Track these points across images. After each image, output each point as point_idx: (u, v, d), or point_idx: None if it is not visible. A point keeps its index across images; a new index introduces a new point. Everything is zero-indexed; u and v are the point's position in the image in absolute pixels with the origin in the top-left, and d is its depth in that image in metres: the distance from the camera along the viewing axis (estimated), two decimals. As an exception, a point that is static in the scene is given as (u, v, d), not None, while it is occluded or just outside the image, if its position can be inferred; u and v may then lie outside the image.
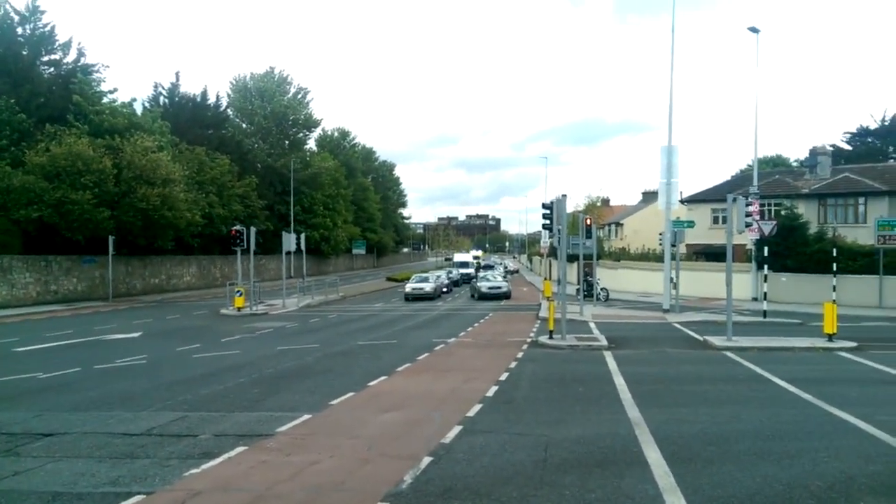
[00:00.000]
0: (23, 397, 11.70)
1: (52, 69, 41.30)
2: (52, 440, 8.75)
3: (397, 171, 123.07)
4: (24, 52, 39.24)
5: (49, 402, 11.20)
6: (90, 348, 18.34)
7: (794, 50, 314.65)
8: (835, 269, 25.62)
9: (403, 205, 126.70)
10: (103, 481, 7.07)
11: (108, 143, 36.85)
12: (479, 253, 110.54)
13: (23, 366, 15.03)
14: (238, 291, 29.28)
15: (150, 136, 40.05)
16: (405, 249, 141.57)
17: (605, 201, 73.45)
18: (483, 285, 39.35)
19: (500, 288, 38.89)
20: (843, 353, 16.23)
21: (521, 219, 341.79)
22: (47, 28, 40.31)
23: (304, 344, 18.86)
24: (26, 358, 16.57)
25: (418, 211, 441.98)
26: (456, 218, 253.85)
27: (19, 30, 39.43)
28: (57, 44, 41.00)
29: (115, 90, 44.33)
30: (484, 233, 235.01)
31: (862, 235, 33.24)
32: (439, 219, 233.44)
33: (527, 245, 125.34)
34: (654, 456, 7.69)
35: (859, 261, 29.78)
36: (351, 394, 11.60)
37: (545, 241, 53.29)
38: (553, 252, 46.03)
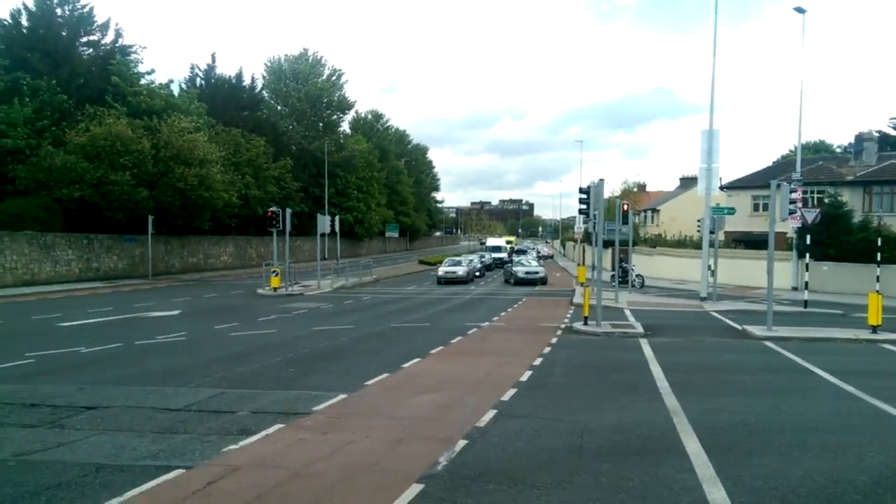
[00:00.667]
0: (66, 371, 12.01)
1: (90, 50, 42.05)
2: (95, 413, 8.96)
3: (430, 155, 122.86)
4: (64, 33, 39.97)
5: (91, 376, 11.48)
6: (131, 325, 18.75)
7: (840, 32, 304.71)
8: (879, 258, 24.86)
9: (436, 188, 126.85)
10: (144, 455, 7.21)
11: (146, 124, 37.47)
12: (512, 238, 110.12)
13: (66, 340, 15.44)
14: (274, 272, 29.63)
15: (187, 118, 40.60)
16: (438, 233, 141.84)
17: (642, 187, 72.50)
18: (519, 270, 38.69)
19: (537, 273, 38.25)
20: (888, 346, 15.76)
21: (554, 204, 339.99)
22: (86, 9, 41.01)
23: (339, 325, 19.01)
24: (69, 333, 17.01)
25: (451, 195, 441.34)
26: (489, 202, 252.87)
27: (58, 11, 40.16)
28: (95, 25, 41.73)
29: (153, 71, 44.99)
30: (517, 217, 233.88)
31: (909, 225, 32.26)
32: (472, 203, 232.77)
33: (560, 230, 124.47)
34: (692, 445, 7.56)
35: (905, 251, 28.83)
36: (385, 375, 11.65)
37: (580, 226, 52.83)
38: (588, 237, 45.58)
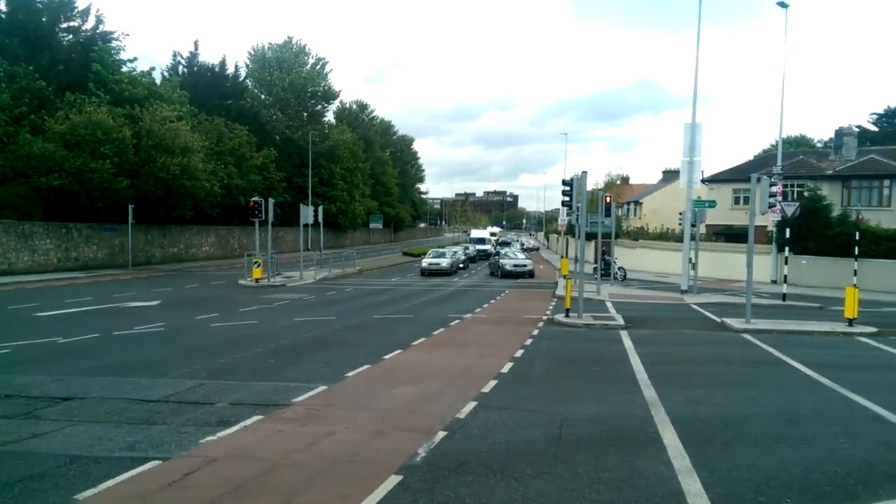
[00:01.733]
0: (42, 361, 11.86)
1: (70, 36, 41.37)
2: (71, 404, 8.86)
3: (415, 146, 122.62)
4: (44, 19, 39.27)
5: (68, 366, 11.35)
6: (109, 315, 18.55)
7: (823, 28, 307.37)
8: (856, 252, 25.19)
9: (421, 180, 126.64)
10: (120, 446, 7.15)
11: (128, 113, 37.00)
12: (496, 229, 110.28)
13: (43, 330, 15.25)
14: (256, 262, 29.45)
15: (169, 106, 40.16)
16: (422, 224, 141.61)
17: (625, 179, 72.80)
18: (507, 263, 38.08)
19: (524, 266, 37.73)
20: (863, 339, 16.00)
21: (538, 196, 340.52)
22: (66, -6, 40.26)
23: (321, 316, 18.95)
24: (47, 323, 16.81)
25: (436, 186, 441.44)
26: (473, 194, 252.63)
27: (39, -5, 39.42)
28: (76, 11, 41.01)
29: (135, 59, 44.36)
30: (501, 209, 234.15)
31: (886, 219, 32.72)
32: (457, 194, 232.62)
33: (544, 222, 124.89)
34: (669, 437, 7.63)
35: (882, 245, 29.26)
36: (367, 366, 11.64)
37: (563, 218, 53.02)
38: (571, 230, 45.72)
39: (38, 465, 6.53)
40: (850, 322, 16.98)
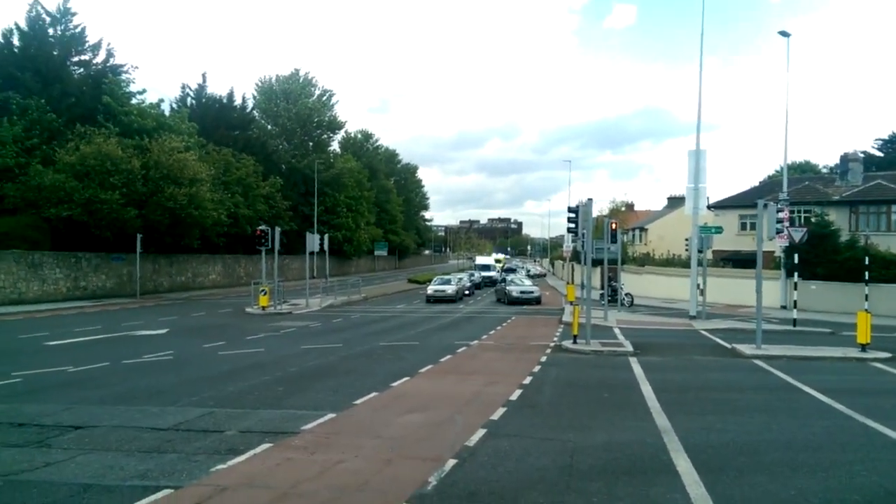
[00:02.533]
0: (53, 390, 11.87)
1: (81, 69, 42.03)
2: (82, 433, 8.85)
3: (420, 174, 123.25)
4: (55, 53, 39.97)
5: (78, 395, 11.35)
6: (118, 344, 18.58)
7: (825, 54, 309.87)
8: (867, 277, 25.09)
9: (425, 207, 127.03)
10: (132, 474, 7.12)
11: (137, 144, 37.43)
12: (501, 256, 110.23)
13: (53, 359, 15.27)
14: (263, 290, 29.50)
15: (178, 137, 40.64)
16: (427, 252, 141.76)
17: (630, 206, 73.02)
18: (513, 289, 37.67)
19: (531, 293, 37.28)
20: (877, 364, 15.86)
21: (543, 223, 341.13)
22: (78, 29, 41.13)
23: (328, 343, 18.92)
24: (56, 352, 16.83)
25: (440, 214, 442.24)
26: (478, 221, 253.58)
27: (50, 30, 40.23)
28: (87, 44, 41.79)
29: (144, 91, 45.06)
30: (506, 236, 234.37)
31: (894, 244, 32.58)
32: (461, 222, 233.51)
33: (549, 249, 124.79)
34: (683, 465, 7.55)
35: (892, 270, 29.19)
36: (374, 394, 11.59)
37: (568, 244, 53.01)
38: (576, 256, 45.72)
39: (52, 493, 6.51)
40: (863, 347, 16.84)
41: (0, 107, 34.74)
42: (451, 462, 7.55)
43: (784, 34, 28.24)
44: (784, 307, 31.10)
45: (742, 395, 12.02)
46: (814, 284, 30.74)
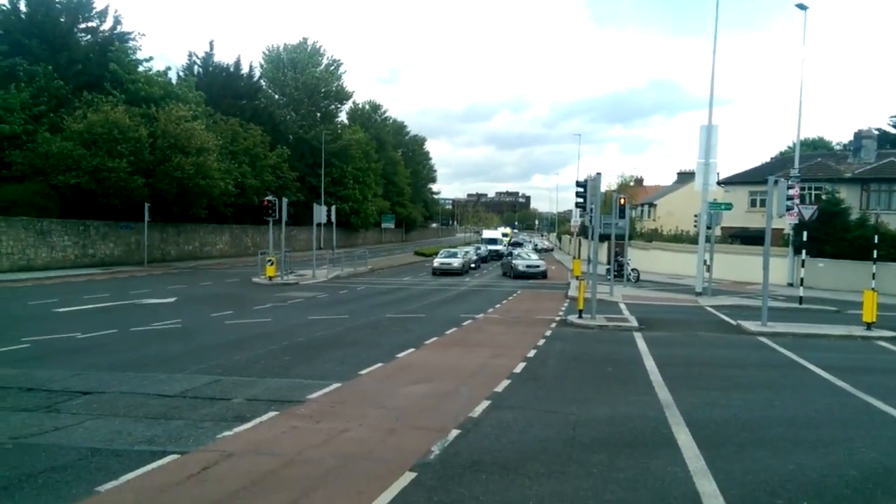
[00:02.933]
0: (62, 356, 12.01)
1: (88, 36, 41.75)
2: (90, 398, 8.97)
3: (428, 146, 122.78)
4: (62, 19, 39.65)
5: (87, 361, 11.49)
6: (126, 311, 18.74)
7: (842, 29, 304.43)
8: (875, 256, 24.94)
9: (433, 180, 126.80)
10: (139, 440, 7.23)
11: (144, 112, 37.32)
12: (508, 230, 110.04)
13: (62, 326, 15.43)
14: (269, 261, 29.62)
15: (185, 106, 40.47)
16: (434, 224, 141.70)
17: (639, 181, 72.53)
18: (519, 263, 37.44)
19: (537, 267, 37.16)
20: (882, 343, 15.85)
21: (551, 197, 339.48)
22: (85, -5, 40.68)
23: (334, 314, 19.03)
24: (65, 319, 17.00)
25: (448, 186, 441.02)
26: (485, 195, 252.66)
27: (57, -4, 39.85)
28: (94, 11, 41.40)
29: (151, 59, 44.86)
30: (513, 210, 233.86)
31: (905, 223, 32.34)
32: (469, 195, 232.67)
33: (556, 223, 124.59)
34: (684, 438, 7.61)
35: (902, 249, 28.94)
36: (380, 364, 11.69)
37: (576, 219, 52.84)
38: (584, 231, 45.55)
39: (61, 457, 6.63)
40: (869, 326, 16.81)
41: (7, 73, 34.62)
42: (455, 432, 7.63)
43: (801, 7, 27.72)
44: (791, 285, 31.02)
45: (746, 372, 12.06)
46: (821, 262, 30.60)
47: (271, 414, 8.32)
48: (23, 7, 38.51)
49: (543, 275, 36.87)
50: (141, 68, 42.46)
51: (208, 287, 27.47)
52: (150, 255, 38.61)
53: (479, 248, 55.35)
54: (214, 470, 6.35)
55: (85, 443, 7.07)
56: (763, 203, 27.82)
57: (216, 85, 54.19)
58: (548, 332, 16.20)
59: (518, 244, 67.94)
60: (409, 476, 6.20)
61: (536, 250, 65.37)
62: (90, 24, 41.72)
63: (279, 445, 7.16)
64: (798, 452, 7.27)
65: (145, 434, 7.44)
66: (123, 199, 35.51)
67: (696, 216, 30.56)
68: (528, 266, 37.24)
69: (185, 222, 43.90)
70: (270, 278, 29.44)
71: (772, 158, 54.14)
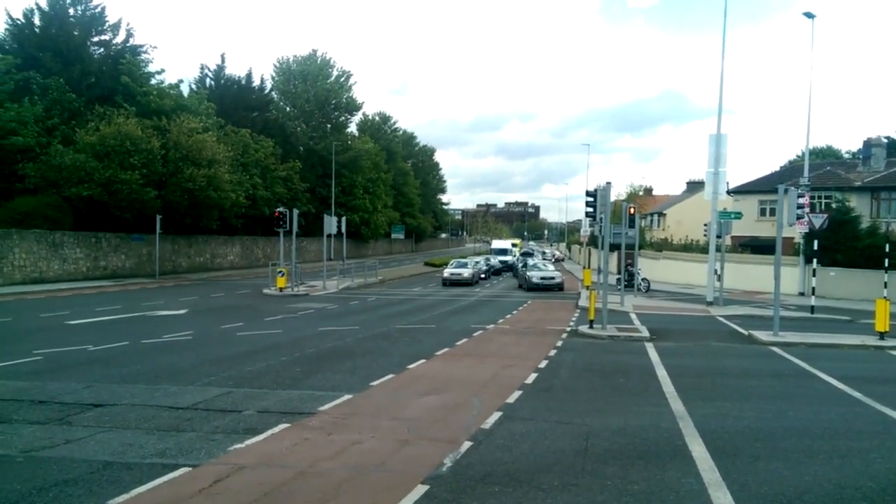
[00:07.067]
0: (74, 368, 12.06)
1: (101, 49, 42.21)
2: (102, 411, 9.00)
3: (437, 157, 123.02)
4: (75, 33, 40.11)
5: (99, 373, 11.54)
6: (138, 323, 18.83)
7: (850, 37, 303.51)
8: (887, 264, 24.70)
9: (443, 190, 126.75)
10: (151, 452, 7.24)
11: (156, 124, 37.64)
12: (517, 240, 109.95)
13: (74, 338, 15.52)
14: (280, 272, 29.71)
15: (196, 118, 40.80)
16: (443, 235, 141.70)
17: (648, 190, 72.38)
18: (534, 275, 35.66)
19: (552, 279, 35.34)
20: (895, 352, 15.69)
21: (560, 207, 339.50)
22: (98, 9, 41.19)
23: (345, 325, 19.04)
24: (77, 331, 17.10)
25: (457, 197, 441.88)
26: (495, 205, 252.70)
27: (70, 10, 40.35)
28: (107, 24, 41.87)
29: (163, 71, 45.34)
30: (523, 220, 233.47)
31: (917, 231, 32.01)
32: (478, 205, 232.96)
33: (566, 233, 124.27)
34: (698, 450, 7.55)
35: (914, 257, 28.65)
36: (391, 376, 11.67)
37: (586, 229, 52.76)
38: (593, 241, 45.48)
39: (72, 470, 6.64)
40: (882, 335, 16.65)
41: (21, 87, 35.03)
42: (467, 444, 7.60)
43: (809, 15, 27.70)
44: (802, 294, 30.78)
45: (758, 382, 11.96)
46: (833, 271, 30.37)
47: (283, 426, 8.32)
48: (37, 21, 39.09)
49: (560, 287, 35.22)
50: (153, 81, 42.91)
51: (219, 298, 27.57)
52: (162, 267, 38.83)
53: (489, 259, 55.23)
54: (226, 483, 6.35)
55: (97, 456, 7.09)
56: (773, 212, 27.66)
57: (228, 97, 54.57)
58: (559, 343, 16.14)
59: (528, 254, 67.77)
60: (421, 489, 6.17)
61: (553, 260, 64.07)
62: (103, 38, 42.20)
63: (291, 458, 7.15)
64: (813, 463, 7.19)
65: (157, 447, 7.45)
66: (135, 211, 35.77)
67: (705, 225, 30.43)
68: (542, 278, 35.56)
69: (196, 234, 44.14)
70: (281, 289, 29.52)
71: (781, 167, 53.95)
